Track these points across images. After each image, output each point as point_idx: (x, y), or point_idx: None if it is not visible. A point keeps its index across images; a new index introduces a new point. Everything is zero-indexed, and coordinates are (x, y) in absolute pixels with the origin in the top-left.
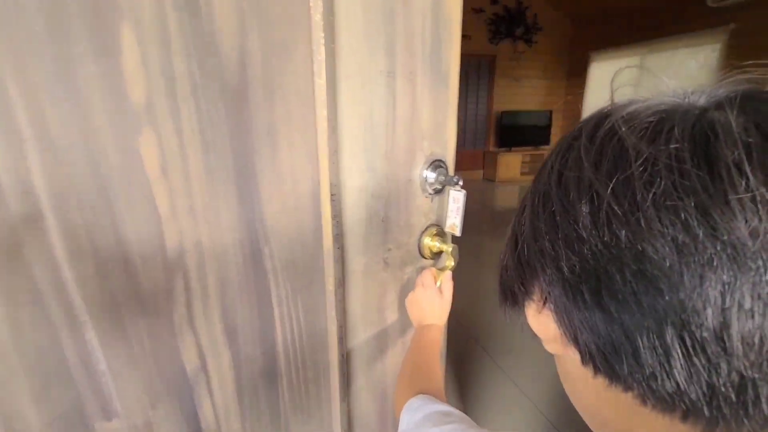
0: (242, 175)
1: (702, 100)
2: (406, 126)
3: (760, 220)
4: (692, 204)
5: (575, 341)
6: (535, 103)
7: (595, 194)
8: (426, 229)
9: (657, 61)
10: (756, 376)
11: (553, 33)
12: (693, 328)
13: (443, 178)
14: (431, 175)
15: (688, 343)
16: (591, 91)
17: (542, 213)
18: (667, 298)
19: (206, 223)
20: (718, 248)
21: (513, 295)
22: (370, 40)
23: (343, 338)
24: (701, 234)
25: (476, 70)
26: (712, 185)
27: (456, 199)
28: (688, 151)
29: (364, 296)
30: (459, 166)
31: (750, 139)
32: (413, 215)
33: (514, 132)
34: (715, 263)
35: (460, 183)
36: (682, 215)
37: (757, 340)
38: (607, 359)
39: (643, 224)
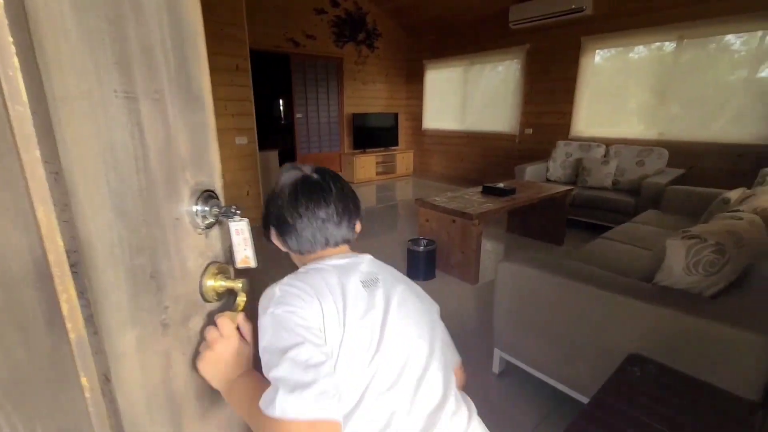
0: None
1: (308, 171)
2: (162, 156)
3: (301, 213)
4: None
5: (284, 246)
6: (381, 106)
7: (280, 199)
8: (206, 269)
9: (477, 70)
10: (309, 235)
11: (392, 40)
12: (298, 229)
13: (217, 210)
14: (202, 209)
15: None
16: (428, 94)
17: (269, 201)
18: (290, 224)
19: None
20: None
21: (264, 229)
22: (95, 50)
23: None
24: (298, 211)
25: (325, 72)
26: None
27: (239, 230)
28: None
29: (142, 379)
30: None
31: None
32: (189, 258)
33: (367, 134)
34: (297, 218)
35: (239, 212)
36: (297, 207)
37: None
38: (290, 246)
39: (289, 211)
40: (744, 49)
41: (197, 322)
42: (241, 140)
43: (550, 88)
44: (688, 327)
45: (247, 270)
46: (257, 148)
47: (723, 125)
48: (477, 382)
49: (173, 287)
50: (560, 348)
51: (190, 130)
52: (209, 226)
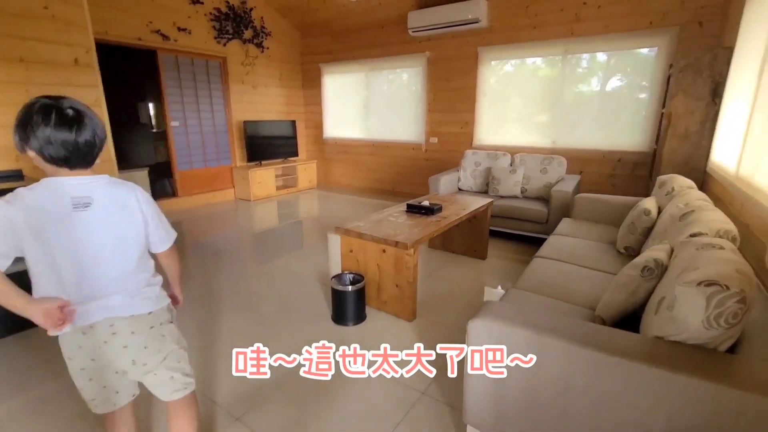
0: None
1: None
2: None
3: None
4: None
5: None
6: (277, 113)
7: (29, 124)
8: None
9: (379, 76)
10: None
11: (284, 40)
12: (44, 153)
13: None
14: None
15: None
16: (327, 101)
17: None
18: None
19: None
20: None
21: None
22: None
23: None
24: (38, 135)
25: (206, 73)
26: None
27: None
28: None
29: None
30: (205, 186)
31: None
32: None
33: (262, 144)
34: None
35: None
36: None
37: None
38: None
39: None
40: (613, 66)
41: None
42: None
43: (452, 97)
44: (721, 398)
45: None
46: (116, 167)
47: (603, 134)
48: None
49: None
50: (557, 426)
51: None
52: None
